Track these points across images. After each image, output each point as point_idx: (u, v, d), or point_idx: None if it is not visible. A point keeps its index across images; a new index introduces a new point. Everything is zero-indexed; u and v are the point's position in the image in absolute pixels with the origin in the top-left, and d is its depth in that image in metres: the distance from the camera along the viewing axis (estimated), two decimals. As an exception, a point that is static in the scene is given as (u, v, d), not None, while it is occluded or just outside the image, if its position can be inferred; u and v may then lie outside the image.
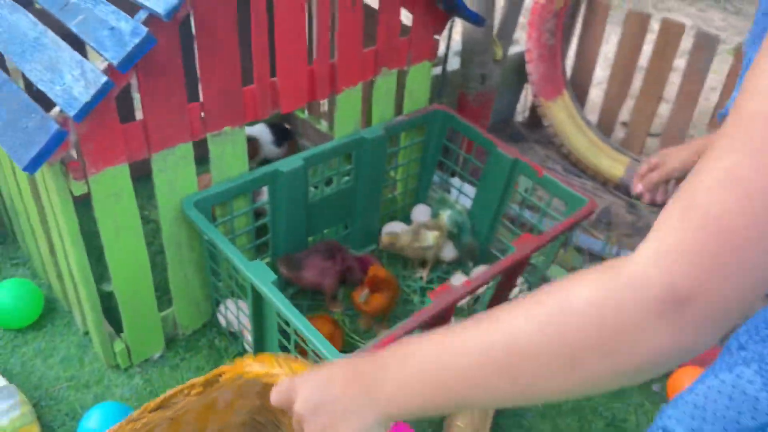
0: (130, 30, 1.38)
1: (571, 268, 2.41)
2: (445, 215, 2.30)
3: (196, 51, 1.60)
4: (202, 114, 1.70)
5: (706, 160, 0.54)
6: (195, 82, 1.70)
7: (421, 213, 2.50)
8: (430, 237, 2.25)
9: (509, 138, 3.28)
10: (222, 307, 1.98)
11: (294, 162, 1.95)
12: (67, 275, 1.83)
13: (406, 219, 2.54)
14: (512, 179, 2.18)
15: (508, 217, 2.34)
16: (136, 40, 1.35)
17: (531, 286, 2.24)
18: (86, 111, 1.35)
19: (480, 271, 2.25)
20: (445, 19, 2.21)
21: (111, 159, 1.55)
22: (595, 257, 2.50)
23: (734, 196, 0.51)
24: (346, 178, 2.20)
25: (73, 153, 1.51)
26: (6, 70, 1.60)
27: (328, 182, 2.19)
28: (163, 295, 2.11)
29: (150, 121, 1.58)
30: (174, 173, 1.70)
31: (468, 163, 2.36)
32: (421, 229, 2.27)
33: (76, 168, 1.50)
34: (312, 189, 2.11)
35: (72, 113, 1.34)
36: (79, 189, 1.53)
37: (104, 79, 1.35)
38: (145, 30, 1.36)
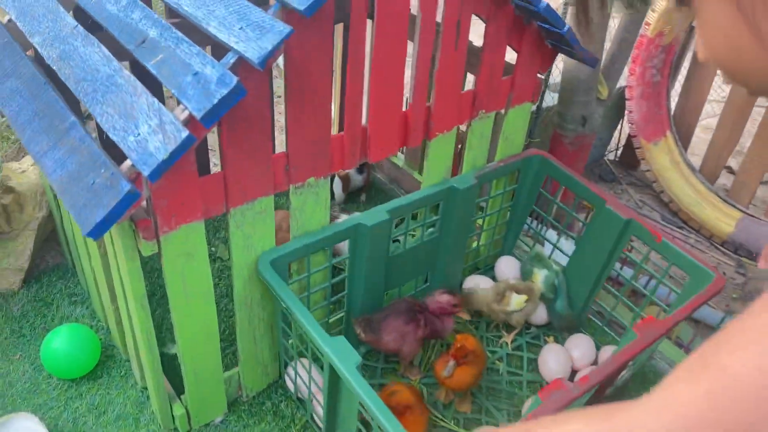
0: (216, 77, 1.20)
1: (677, 341, 2.13)
2: (540, 276, 2.05)
3: (285, 97, 1.41)
4: (287, 165, 1.51)
5: None
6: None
7: (506, 266, 2.26)
8: (516, 301, 2.00)
9: (599, 178, 3.01)
10: (291, 370, 1.79)
11: (378, 215, 1.74)
12: (128, 329, 1.67)
13: (490, 271, 2.30)
14: (622, 241, 1.92)
15: (609, 278, 2.08)
16: (224, 91, 1.17)
17: (636, 363, 1.97)
18: (162, 170, 1.17)
19: (578, 342, 2.00)
20: (552, 56, 1.97)
21: (186, 216, 1.37)
22: (707, 326, 2.21)
23: None
24: (431, 229, 1.99)
25: (144, 209, 1.35)
26: (79, 111, 1.45)
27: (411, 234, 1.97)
28: (227, 346, 1.94)
29: (231, 174, 1.40)
30: (252, 228, 1.52)
31: (563, 212, 2.11)
32: (507, 290, 2.04)
33: (147, 227, 1.33)
34: (394, 243, 1.90)
35: (146, 172, 1.16)
36: (149, 249, 1.36)
37: (185, 133, 1.17)
38: (234, 79, 1.17)
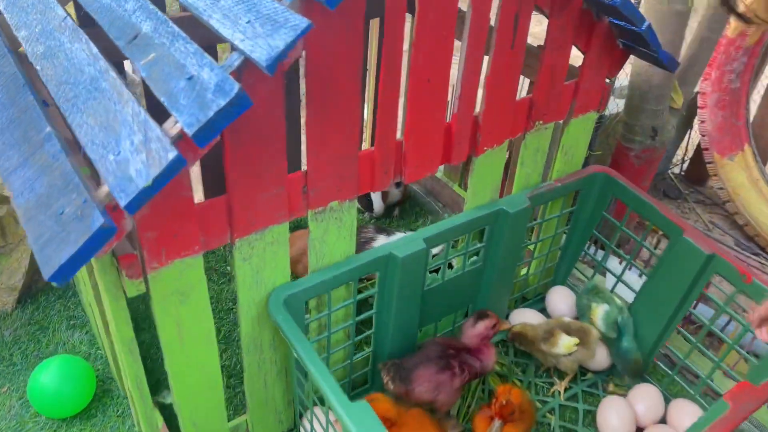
0: (214, 84, 0.95)
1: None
2: (599, 311, 1.76)
3: (304, 106, 1.16)
4: (305, 187, 1.25)
5: None
6: (294, 143, 1.26)
7: (559, 298, 1.97)
8: (564, 344, 1.72)
9: (663, 195, 2.68)
10: (306, 421, 1.54)
11: (412, 244, 1.48)
12: (122, 370, 1.45)
13: (540, 302, 2.02)
14: (703, 279, 1.61)
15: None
16: (222, 102, 0.92)
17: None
18: (143, 200, 0.93)
19: (644, 394, 1.70)
20: (624, 58, 1.68)
21: (179, 249, 1.13)
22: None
23: None
24: (474, 258, 1.71)
25: (128, 242, 1.11)
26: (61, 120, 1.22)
27: (450, 263, 1.70)
28: (237, 383, 1.70)
29: (237, 198, 1.16)
30: (261, 261, 1.27)
31: (627, 238, 1.82)
32: (557, 330, 1.75)
33: (131, 263, 1.09)
34: (430, 274, 1.63)
35: (123, 202, 0.92)
36: (134, 289, 1.12)
37: (172, 154, 0.93)
38: (235, 87, 0.92)
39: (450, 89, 1.38)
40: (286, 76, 1.11)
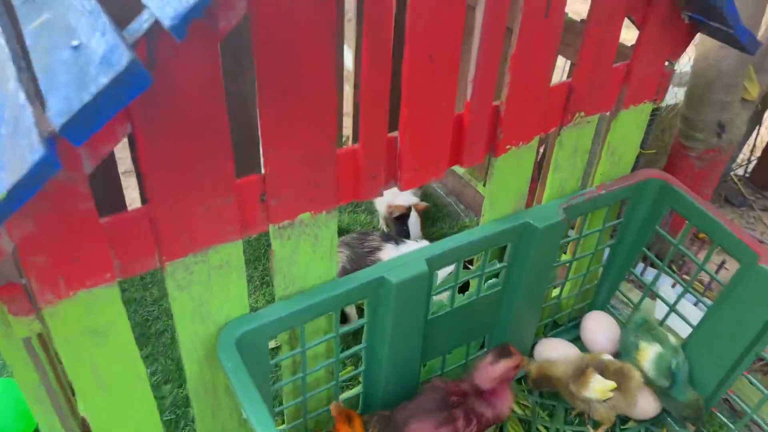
0: (101, 54, 0.66)
1: None
2: (649, 356, 1.42)
3: (256, 87, 0.86)
4: (264, 195, 0.96)
5: None
6: (250, 139, 0.97)
7: (597, 325, 1.64)
8: (597, 388, 1.39)
9: (724, 201, 2.31)
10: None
11: (411, 266, 1.17)
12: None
13: (574, 329, 1.69)
14: (783, 319, 1.26)
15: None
16: (103, 80, 0.63)
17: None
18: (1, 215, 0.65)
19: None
20: (690, 36, 1.32)
21: (82, 277, 0.85)
22: None
23: None
24: (493, 280, 1.40)
25: (15, 268, 0.83)
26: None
27: (464, 287, 1.39)
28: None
29: (161, 210, 0.87)
30: (206, 290, 0.99)
31: (683, 256, 1.47)
32: (590, 369, 1.42)
33: (12, 296, 0.82)
34: (436, 298, 1.33)
35: (-33, 221, 0.64)
36: (24, 329, 0.85)
37: (39, 154, 0.64)
38: (125, 58, 0.63)
39: (462, 71, 1.06)
40: (230, 46, 0.82)
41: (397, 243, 1.69)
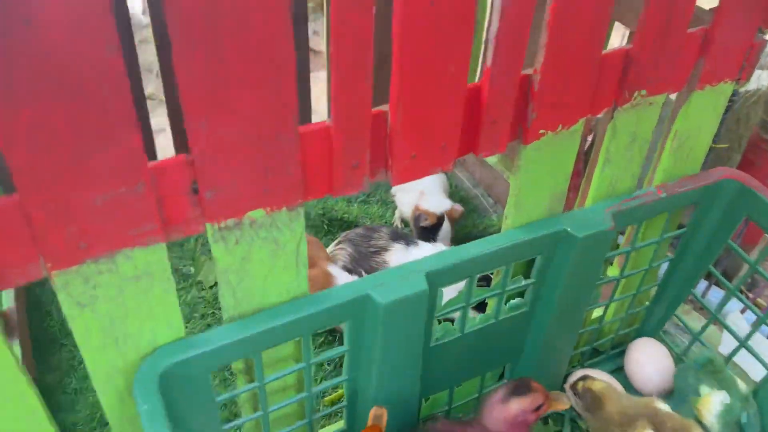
0: None
1: None
2: (713, 405, 1.12)
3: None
4: (195, 183, 0.70)
5: None
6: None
7: (646, 357, 1.34)
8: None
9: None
10: None
11: (407, 283, 0.90)
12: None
13: (617, 357, 1.40)
14: None
15: None
16: None
17: None
18: None
19: None
20: (794, -6, 1.00)
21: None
22: None
23: None
24: (517, 300, 1.11)
25: None
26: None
27: (480, 304, 1.11)
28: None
29: (37, 201, 0.62)
30: (117, 308, 0.74)
31: (756, 281, 1.16)
32: (641, 421, 1.12)
33: None
34: (439, 323, 1.05)
35: None
36: None
37: None
38: None
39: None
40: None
41: (407, 243, 1.43)
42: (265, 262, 0.81)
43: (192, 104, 0.64)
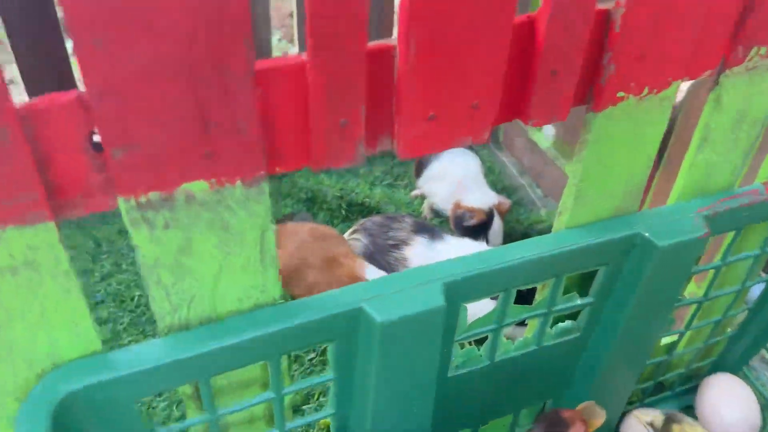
0: None
1: None
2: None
3: None
4: (92, 135, 0.47)
5: None
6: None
7: (726, 398, 1.07)
8: None
9: None
10: None
11: (415, 295, 0.65)
12: None
13: (686, 396, 1.12)
14: None
15: None
16: None
17: None
18: None
19: None
20: None
21: None
22: None
23: None
24: (568, 323, 0.85)
25: None
26: None
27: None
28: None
29: None
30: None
31: None
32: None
33: None
34: (462, 347, 0.81)
35: None
36: None
37: None
38: None
39: None
40: None
41: (432, 237, 1.18)
42: (214, 256, 0.57)
43: (81, 9, 0.41)
